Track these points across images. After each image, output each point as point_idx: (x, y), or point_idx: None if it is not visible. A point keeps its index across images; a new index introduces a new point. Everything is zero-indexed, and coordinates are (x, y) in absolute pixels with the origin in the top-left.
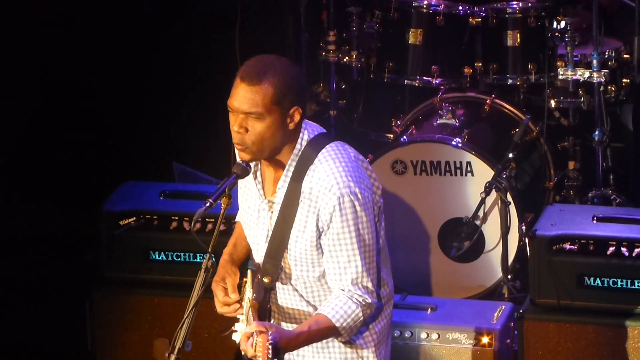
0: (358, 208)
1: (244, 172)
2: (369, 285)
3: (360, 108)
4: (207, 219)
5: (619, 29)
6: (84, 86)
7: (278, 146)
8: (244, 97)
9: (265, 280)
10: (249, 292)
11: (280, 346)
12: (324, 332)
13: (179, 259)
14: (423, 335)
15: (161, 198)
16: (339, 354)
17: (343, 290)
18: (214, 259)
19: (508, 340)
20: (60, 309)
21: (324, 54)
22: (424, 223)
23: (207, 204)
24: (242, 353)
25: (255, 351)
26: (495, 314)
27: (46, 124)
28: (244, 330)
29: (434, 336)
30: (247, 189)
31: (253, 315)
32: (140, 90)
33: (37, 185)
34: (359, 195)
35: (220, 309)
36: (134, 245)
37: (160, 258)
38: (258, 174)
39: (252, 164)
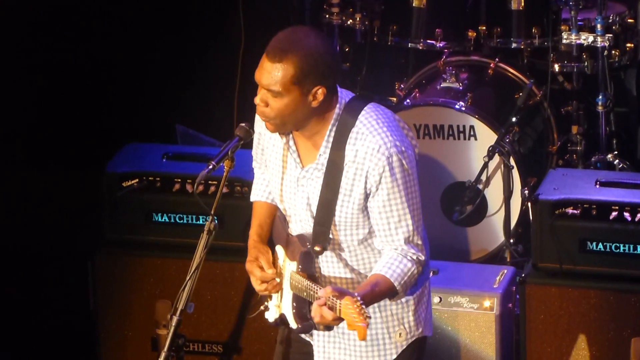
0: (406, 166)
1: (247, 135)
2: (419, 242)
3: (363, 71)
4: (209, 182)
5: None
6: (87, 49)
7: (301, 121)
8: (266, 73)
9: (317, 248)
10: (291, 265)
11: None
12: (385, 292)
13: (182, 221)
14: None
15: (164, 160)
16: (380, 322)
17: (396, 250)
18: (216, 221)
19: (510, 304)
20: (63, 271)
21: (327, 16)
22: (427, 187)
23: (210, 167)
24: (295, 326)
25: (342, 314)
26: (498, 278)
27: (49, 86)
28: (317, 297)
29: (436, 300)
30: (277, 159)
31: (310, 283)
32: (143, 52)
33: (39, 147)
34: (405, 154)
35: (258, 287)
36: (137, 207)
37: (163, 220)
38: (291, 143)
39: (263, 130)
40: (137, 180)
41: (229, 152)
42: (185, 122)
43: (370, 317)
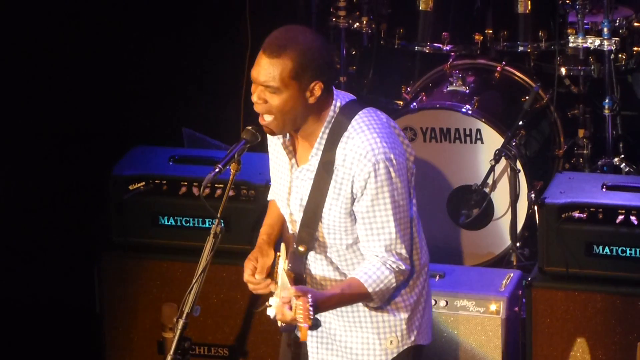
0: (393, 174)
1: (254, 138)
2: (403, 252)
3: (370, 74)
4: (216, 185)
5: None
6: (94, 51)
7: (299, 119)
8: (263, 69)
9: (301, 249)
10: (283, 264)
11: (318, 307)
12: (356, 296)
13: (188, 224)
14: (431, 302)
15: (170, 163)
16: (371, 327)
17: (377, 257)
18: (222, 225)
19: (516, 308)
20: (69, 273)
21: (334, 19)
22: (433, 190)
23: (217, 170)
24: (279, 324)
25: (295, 314)
26: (504, 282)
27: (56, 88)
28: (281, 296)
29: (442, 303)
30: (279, 159)
31: (290, 284)
32: (150, 55)
33: (46, 149)
34: (394, 162)
35: (250, 286)
36: (143, 210)
37: (169, 223)
38: (288, 143)
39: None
40: (143, 183)
41: (236, 155)
42: (192, 125)
43: (312, 319)
